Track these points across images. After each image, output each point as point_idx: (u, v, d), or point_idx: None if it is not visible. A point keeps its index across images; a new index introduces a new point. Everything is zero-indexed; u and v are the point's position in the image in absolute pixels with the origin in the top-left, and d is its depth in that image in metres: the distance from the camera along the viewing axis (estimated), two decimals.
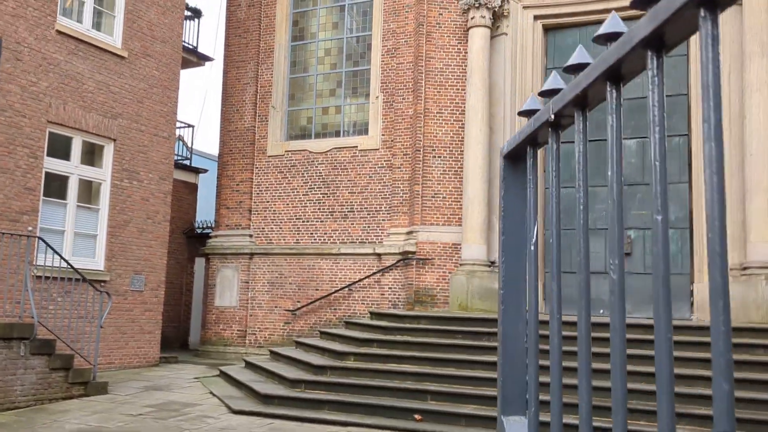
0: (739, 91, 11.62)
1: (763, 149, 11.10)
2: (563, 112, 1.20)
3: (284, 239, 15.58)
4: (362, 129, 15.33)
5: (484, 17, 13.64)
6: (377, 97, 15.07)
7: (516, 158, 1.53)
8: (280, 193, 15.76)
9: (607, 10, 13.39)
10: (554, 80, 1.27)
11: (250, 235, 15.94)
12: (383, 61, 15.13)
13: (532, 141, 1.38)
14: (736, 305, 10.61)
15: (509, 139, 1.51)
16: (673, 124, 12.93)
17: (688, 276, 12.38)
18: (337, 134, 15.65)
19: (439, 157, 13.92)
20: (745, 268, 11.05)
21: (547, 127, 1.28)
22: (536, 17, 13.96)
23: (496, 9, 13.66)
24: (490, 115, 13.48)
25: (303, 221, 15.41)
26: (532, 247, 1.38)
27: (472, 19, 13.71)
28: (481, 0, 13.58)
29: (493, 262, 13.22)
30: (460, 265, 13.19)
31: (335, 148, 15.34)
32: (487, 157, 13.24)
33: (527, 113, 1.38)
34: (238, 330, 15.68)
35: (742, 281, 10.86)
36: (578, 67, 1.16)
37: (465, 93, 13.76)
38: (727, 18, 12.06)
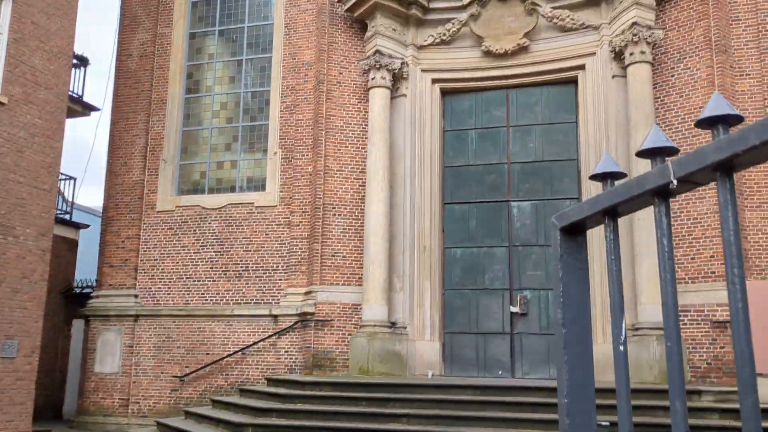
0: (626, 157, 12.20)
1: (650, 213, 11.63)
2: (692, 177, 1.00)
3: (173, 300, 14.72)
4: (259, 185, 14.92)
5: (384, 78, 13.75)
6: (275, 153, 14.76)
7: (577, 231, 1.31)
8: (170, 250, 14.96)
9: (503, 77, 13.89)
10: (658, 136, 1.07)
11: (136, 296, 14.96)
12: (282, 117, 14.89)
13: (611, 211, 1.18)
14: (630, 366, 10.89)
15: (568, 209, 1.30)
16: (564, 187, 13.39)
17: None
18: (233, 190, 15.14)
19: (340, 215, 13.71)
20: (637, 329, 11.42)
21: (652, 195, 1.08)
22: (434, 81, 14.24)
23: (396, 71, 13.82)
24: (391, 174, 13.48)
25: (194, 281, 14.65)
26: (621, 347, 1.15)
27: (372, 79, 13.79)
28: (382, 62, 13.70)
29: (393, 323, 13.02)
30: (361, 326, 12.89)
31: (230, 204, 14.80)
32: (388, 215, 13.16)
33: (605, 176, 1.18)
34: (119, 398, 14.50)
35: (635, 342, 11.19)
36: (716, 121, 0.96)
37: (366, 151, 13.71)
38: (612, 88, 12.75)
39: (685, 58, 12.30)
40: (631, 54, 12.30)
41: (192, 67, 16.02)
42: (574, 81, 13.50)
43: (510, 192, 13.67)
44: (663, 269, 1.09)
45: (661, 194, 1.09)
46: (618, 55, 12.63)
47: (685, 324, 11.37)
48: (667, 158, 1.09)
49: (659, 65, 12.49)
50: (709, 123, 1.00)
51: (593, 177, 1.26)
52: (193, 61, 16.04)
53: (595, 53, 13.11)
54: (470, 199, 13.86)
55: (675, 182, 1.02)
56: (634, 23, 12.27)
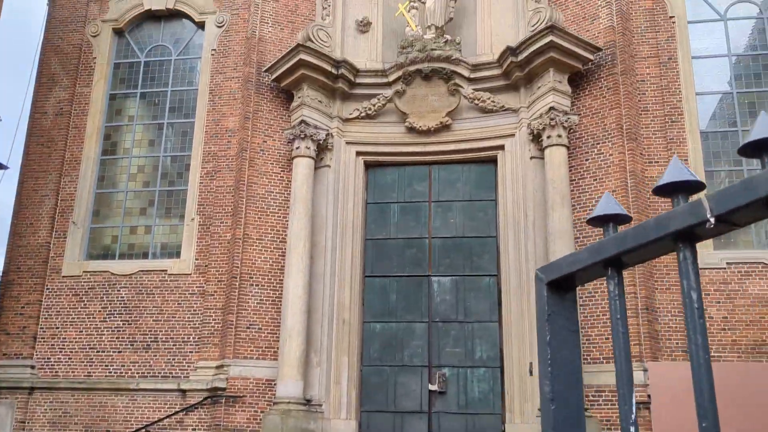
0: (544, 238, 12.45)
1: None
2: (734, 217, 0.84)
3: (73, 372, 13.78)
4: (174, 252, 14.39)
5: (309, 148, 13.71)
6: (193, 219, 14.33)
7: (568, 287, 1.14)
8: (74, 318, 14.10)
9: (426, 153, 14.08)
10: (681, 172, 0.93)
11: (32, 366, 13.93)
12: (202, 182, 14.55)
13: (616, 261, 1.02)
14: None
15: (558, 260, 1.13)
16: (483, 264, 13.51)
17: (500, 416, 12.53)
18: (145, 256, 14.54)
19: (257, 285, 13.32)
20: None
21: (676, 240, 0.91)
22: (358, 153, 14.30)
23: (320, 141, 13.81)
24: (312, 244, 13.27)
25: (98, 351, 13.79)
26: (632, 429, 0.97)
27: (297, 149, 13.72)
28: (307, 132, 13.68)
29: (309, 400, 12.54)
30: (275, 403, 12.34)
31: (142, 270, 14.18)
32: (307, 286, 12.87)
33: (606, 220, 1.03)
34: None
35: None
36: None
37: (287, 220, 13.50)
38: (531, 169, 13.11)
39: (599, 143, 12.82)
40: (549, 137, 12.73)
41: (110, 129, 15.57)
42: (494, 160, 13.82)
43: (431, 267, 13.67)
44: (692, 331, 0.94)
45: (689, 237, 0.93)
46: (536, 138, 13.05)
47: (600, 405, 11.43)
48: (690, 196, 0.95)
49: (575, 149, 12.97)
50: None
51: (592, 221, 1.10)
52: (111, 122, 15.60)
53: (514, 135, 13.51)
54: (391, 273, 13.76)
55: (713, 221, 0.87)
56: (552, 108, 12.76)
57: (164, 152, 15.20)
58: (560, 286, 1.14)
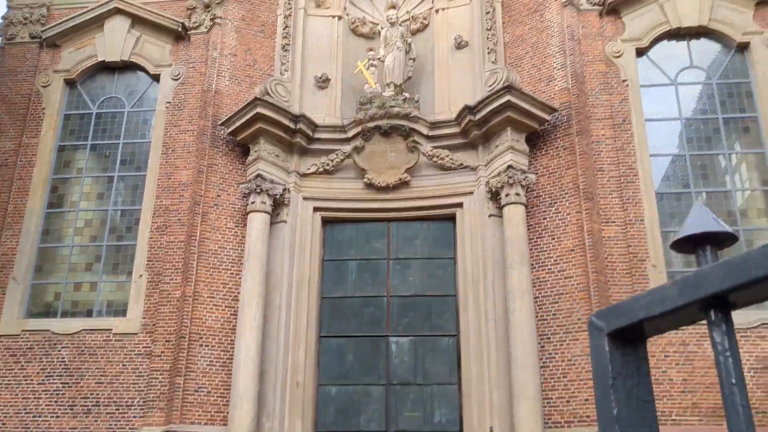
0: (503, 297, 12.29)
1: (528, 352, 11.61)
2: None
3: None
4: (120, 310, 13.75)
5: (264, 203, 13.41)
6: (141, 276, 13.77)
7: (637, 338, 0.83)
8: (9, 380, 13.26)
9: (384, 209, 13.90)
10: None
11: None
12: (152, 237, 14.05)
13: (721, 301, 0.72)
14: None
15: (624, 302, 0.83)
16: (443, 323, 13.25)
17: None
18: (90, 314, 13.86)
19: (207, 345, 12.75)
20: None
21: None
22: (316, 209, 14.06)
23: (277, 196, 13.54)
24: (266, 303, 12.83)
25: (34, 416, 12.94)
26: None
27: (252, 203, 13.41)
28: (263, 186, 13.40)
29: None
30: None
31: (85, 329, 13.48)
32: (260, 347, 12.37)
33: (701, 241, 0.75)
34: None
35: None
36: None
37: (240, 278, 13.06)
38: (489, 227, 13.03)
39: (557, 202, 12.84)
40: (507, 195, 12.71)
41: (58, 181, 15.02)
42: (453, 218, 13.72)
43: (389, 326, 13.33)
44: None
45: None
46: (494, 196, 13.02)
47: None
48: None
49: (533, 208, 12.96)
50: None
51: (679, 243, 0.83)
52: (59, 174, 15.07)
53: (472, 192, 13.46)
54: (348, 332, 13.37)
55: None
56: (510, 166, 12.79)
57: (113, 206, 14.69)
58: (627, 338, 0.85)
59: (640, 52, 14.10)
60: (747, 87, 13.63)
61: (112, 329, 13.38)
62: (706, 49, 14.06)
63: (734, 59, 13.92)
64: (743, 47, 13.83)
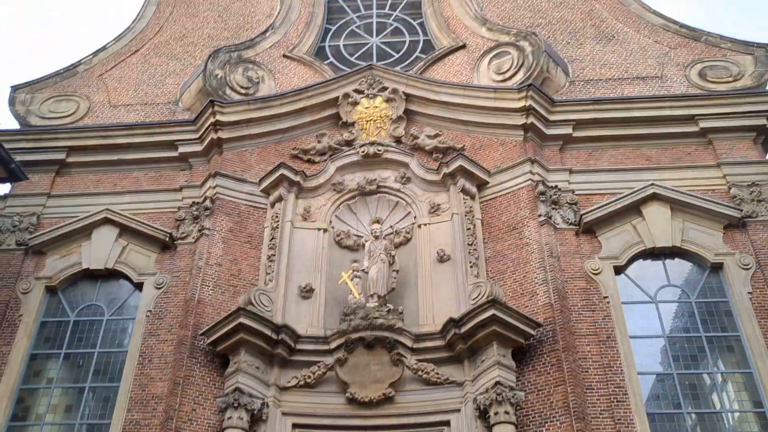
0: None
1: None
2: None
3: None
4: None
5: (241, 419, 12.80)
6: None
7: None
8: None
9: (367, 427, 13.29)
10: None
11: None
12: None
13: None
14: None
15: None
16: None
17: None
18: None
19: None
20: None
21: None
22: (295, 425, 13.44)
23: (255, 412, 12.97)
24: None
25: None
26: None
27: (228, 419, 12.79)
28: (241, 401, 12.88)
29: None
30: None
31: None
32: None
33: None
34: None
35: None
36: None
37: None
38: None
39: (547, 421, 12.42)
40: (496, 413, 12.32)
41: (25, 392, 14.31)
42: None
43: None
44: None
45: None
46: (482, 414, 12.59)
47: None
48: None
49: (522, 427, 12.49)
50: None
51: None
52: (28, 384, 14.40)
53: (460, 410, 13.01)
54: None
55: None
56: (498, 383, 12.52)
57: (81, 419, 13.88)
58: None
59: (618, 270, 14.52)
60: (726, 306, 13.93)
61: None
62: (681, 268, 14.56)
63: (710, 278, 14.37)
64: (717, 267, 14.34)
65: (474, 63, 18.61)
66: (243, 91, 18.36)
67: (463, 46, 19.25)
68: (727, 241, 14.60)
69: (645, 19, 19.04)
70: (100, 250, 15.78)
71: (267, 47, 19.90)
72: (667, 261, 14.71)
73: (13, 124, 18.52)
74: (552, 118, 16.58)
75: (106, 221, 16.07)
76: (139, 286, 15.42)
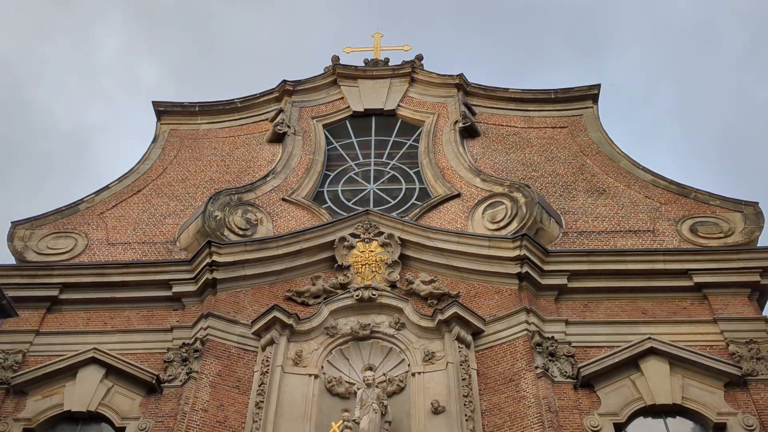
0: None
1: None
2: None
3: None
4: None
5: None
6: None
7: None
8: None
9: None
10: None
11: None
12: None
13: None
14: None
15: None
16: None
17: None
18: None
19: None
20: None
21: None
22: None
23: None
24: None
25: None
26: None
27: None
28: None
29: None
30: None
31: None
32: None
33: None
34: None
35: None
36: None
37: None
38: None
39: None
40: None
41: None
42: None
43: None
44: None
45: None
46: None
47: None
48: None
49: None
50: None
51: None
52: None
53: None
54: None
55: None
56: None
57: None
58: None
59: (619, 427, 14.06)
60: None
61: None
62: (683, 427, 14.08)
63: None
64: (720, 428, 13.89)
65: (468, 211, 19.00)
66: (241, 232, 18.56)
67: (458, 195, 19.72)
68: (729, 399, 14.24)
69: (635, 175, 19.68)
70: (83, 391, 15.27)
71: (267, 191, 20.34)
72: (669, 419, 14.26)
73: (9, 259, 18.52)
74: (547, 268, 16.69)
75: (93, 361, 15.68)
76: (121, 431, 14.76)
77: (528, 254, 16.54)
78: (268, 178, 20.76)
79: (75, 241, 18.91)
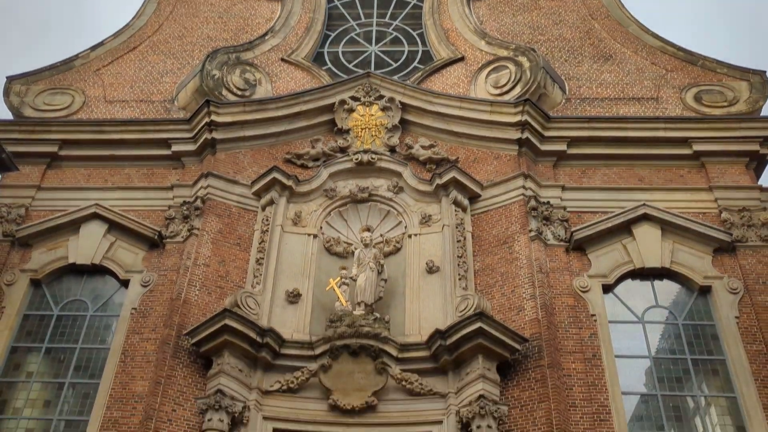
0: None
1: None
2: None
3: None
4: None
5: (222, 421, 12.69)
6: None
7: None
8: None
9: (338, 423, 13.16)
10: None
11: None
12: None
13: None
14: None
15: None
16: None
17: None
18: None
19: None
20: None
21: None
22: (275, 430, 13.30)
23: (236, 415, 12.86)
24: None
25: None
26: None
27: (209, 420, 12.69)
28: (222, 403, 12.76)
29: None
30: None
31: None
32: None
33: None
34: None
35: None
36: None
37: None
38: None
39: None
40: (478, 427, 12.26)
41: (3, 385, 14.13)
42: None
43: None
44: None
45: None
46: (465, 427, 12.53)
47: None
48: None
49: None
50: None
51: None
52: (7, 377, 14.22)
53: (442, 421, 12.94)
54: None
55: None
56: (481, 396, 12.47)
57: (59, 415, 13.72)
58: None
59: (607, 289, 14.52)
60: (712, 329, 13.95)
61: None
62: (670, 289, 14.57)
63: (698, 301, 14.40)
64: (705, 290, 14.37)
65: (471, 76, 18.65)
66: (239, 92, 18.31)
67: (462, 59, 19.28)
68: (716, 264, 14.64)
69: (643, 41, 19.14)
70: (87, 245, 15.65)
71: (266, 50, 19.88)
72: (656, 282, 14.73)
73: (6, 115, 18.41)
74: (547, 134, 16.61)
75: (95, 216, 15.94)
76: (125, 283, 15.29)
77: (529, 120, 16.41)
78: (266, 37, 20.22)
79: (72, 98, 18.69)
